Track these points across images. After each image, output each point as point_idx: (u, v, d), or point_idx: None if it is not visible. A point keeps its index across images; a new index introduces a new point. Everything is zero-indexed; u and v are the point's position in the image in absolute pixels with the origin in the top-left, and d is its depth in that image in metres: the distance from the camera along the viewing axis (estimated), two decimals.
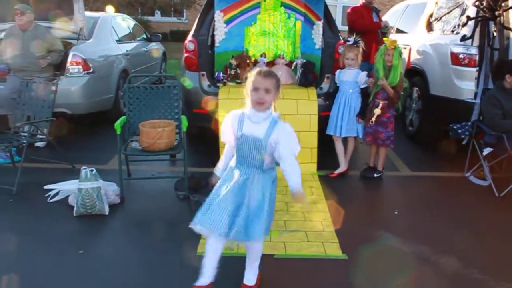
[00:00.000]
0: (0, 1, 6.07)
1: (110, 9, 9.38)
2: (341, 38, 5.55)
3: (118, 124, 4.07)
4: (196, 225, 2.65)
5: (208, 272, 2.71)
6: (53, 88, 4.81)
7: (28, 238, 3.45)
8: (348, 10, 6.52)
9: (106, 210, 3.83)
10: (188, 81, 4.52)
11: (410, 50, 6.00)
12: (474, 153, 4.86)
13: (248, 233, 2.57)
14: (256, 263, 2.86)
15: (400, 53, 4.51)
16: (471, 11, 5.24)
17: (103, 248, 3.38)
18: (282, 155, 2.56)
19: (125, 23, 8.28)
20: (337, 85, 4.90)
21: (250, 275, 2.87)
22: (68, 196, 3.99)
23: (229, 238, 2.60)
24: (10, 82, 5.37)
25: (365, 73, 4.69)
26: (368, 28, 6.09)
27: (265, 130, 2.54)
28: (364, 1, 6.36)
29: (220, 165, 2.79)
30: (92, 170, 3.82)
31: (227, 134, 2.69)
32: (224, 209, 2.58)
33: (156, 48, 9.43)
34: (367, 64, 5.10)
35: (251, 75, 2.57)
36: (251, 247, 2.80)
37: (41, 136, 4.82)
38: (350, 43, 4.75)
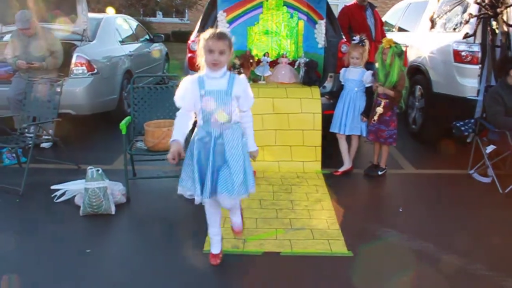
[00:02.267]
0: (4, 4, 6.09)
1: (110, 10, 9.42)
2: (343, 37, 5.57)
3: (123, 124, 4.09)
4: (180, 190, 2.81)
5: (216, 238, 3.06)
6: (58, 89, 4.84)
7: (35, 238, 3.48)
8: (341, 10, 6.49)
9: (113, 209, 3.86)
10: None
11: (406, 49, 5.99)
12: (478, 151, 4.87)
13: (232, 189, 2.68)
14: (238, 212, 3.07)
15: (397, 52, 4.50)
16: (473, 9, 5.25)
17: (110, 247, 3.41)
18: (243, 108, 2.78)
19: (128, 24, 8.31)
20: (342, 83, 4.91)
21: (236, 219, 3.09)
22: (74, 196, 4.03)
23: (217, 196, 2.70)
24: (15, 84, 5.41)
25: (370, 72, 4.70)
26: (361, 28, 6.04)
27: (226, 84, 2.68)
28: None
29: (177, 131, 2.74)
30: (98, 170, 3.85)
31: (184, 98, 2.72)
32: (206, 174, 2.67)
33: (158, 49, 9.46)
34: (366, 62, 5.09)
35: (205, 38, 2.63)
36: (234, 212, 3.05)
37: (46, 137, 4.85)
38: (356, 41, 4.77)
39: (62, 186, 4.11)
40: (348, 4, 6.45)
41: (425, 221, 3.90)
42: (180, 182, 2.80)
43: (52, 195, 4.09)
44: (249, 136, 2.88)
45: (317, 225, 3.72)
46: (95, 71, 5.94)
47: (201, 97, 2.67)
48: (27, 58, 5.40)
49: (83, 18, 6.15)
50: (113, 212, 3.85)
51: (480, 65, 5.07)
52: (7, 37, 5.94)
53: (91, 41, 6.33)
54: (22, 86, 5.19)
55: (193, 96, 2.69)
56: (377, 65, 4.63)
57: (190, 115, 2.77)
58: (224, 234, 3.27)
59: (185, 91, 2.72)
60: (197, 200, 2.73)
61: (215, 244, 3.10)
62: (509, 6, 4.89)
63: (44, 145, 5.42)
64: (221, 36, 2.63)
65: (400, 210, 4.12)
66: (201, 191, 2.68)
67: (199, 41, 2.67)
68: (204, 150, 2.71)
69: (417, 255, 3.32)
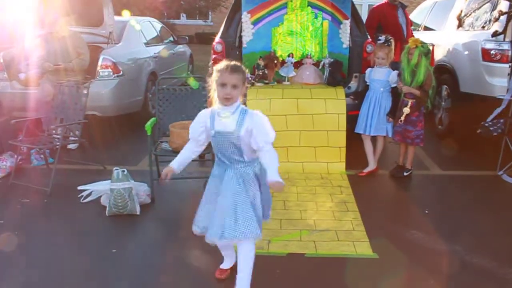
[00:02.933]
0: (35, 9, 6.22)
1: (126, 13, 9.50)
2: (368, 37, 5.51)
3: (148, 126, 4.13)
4: (196, 229, 2.75)
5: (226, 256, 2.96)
6: (85, 91, 4.92)
7: (62, 237, 3.54)
8: (371, 9, 6.47)
9: (138, 210, 3.90)
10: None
11: (433, 48, 5.90)
12: (507, 151, 4.75)
13: (236, 231, 2.55)
14: (245, 273, 2.69)
15: (424, 52, 4.43)
16: (504, 6, 5.13)
17: (135, 247, 3.44)
18: (258, 144, 2.54)
19: (152, 26, 8.39)
20: (367, 83, 4.86)
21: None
22: (100, 196, 4.08)
23: (224, 239, 2.58)
24: (44, 86, 5.51)
25: (396, 72, 4.64)
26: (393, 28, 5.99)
27: (235, 122, 2.54)
28: None
29: (177, 159, 2.74)
30: (123, 171, 3.89)
31: (195, 131, 2.66)
32: (217, 214, 2.60)
33: (182, 51, 9.52)
34: (392, 62, 5.04)
35: (217, 70, 2.54)
36: (241, 249, 2.70)
37: (73, 138, 4.93)
38: (381, 41, 4.71)
39: (89, 187, 4.17)
40: (378, 4, 6.41)
41: (452, 223, 3.82)
42: (195, 221, 2.76)
43: (79, 196, 4.15)
44: (269, 167, 2.53)
45: (342, 226, 3.68)
46: (121, 73, 6.02)
47: (212, 137, 2.61)
48: (55, 60, 5.50)
49: (109, 21, 6.24)
50: (138, 213, 3.89)
51: (510, 64, 4.95)
52: (36, 41, 6.06)
53: (117, 43, 6.41)
54: (50, 88, 5.29)
55: (205, 131, 2.63)
56: (402, 65, 4.56)
57: (196, 148, 2.73)
58: None
59: (198, 124, 2.66)
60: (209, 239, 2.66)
61: (225, 259, 3.02)
62: None
63: (71, 146, 5.51)
64: (235, 69, 2.52)
65: (426, 212, 4.05)
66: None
67: (211, 73, 2.59)
68: (215, 190, 2.66)
69: (444, 257, 3.25)
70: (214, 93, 2.58)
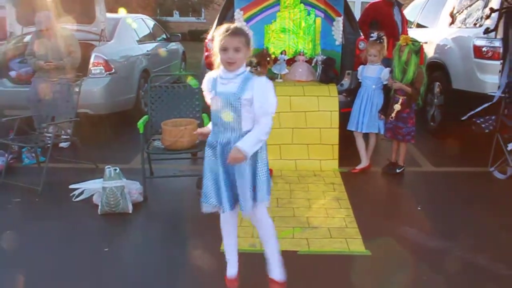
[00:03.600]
0: (24, 6, 6.17)
1: (122, 11, 9.48)
2: (361, 34, 5.51)
3: (140, 123, 4.11)
4: (205, 207, 2.60)
5: (232, 258, 2.74)
6: (77, 89, 4.89)
7: (54, 236, 3.52)
8: (367, 6, 6.49)
9: (130, 208, 3.88)
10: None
11: (422, 46, 5.92)
12: (498, 148, 4.77)
13: (245, 205, 2.49)
14: (274, 249, 2.73)
15: (414, 50, 4.44)
16: (495, 3, 5.14)
17: (127, 245, 3.43)
18: (257, 114, 2.41)
19: (145, 23, 8.35)
20: (359, 81, 4.87)
21: (274, 267, 2.74)
22: (92, 195, 4.06)
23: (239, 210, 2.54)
24: (35, 84, 5.46)
25: (388, 69, 4.65)
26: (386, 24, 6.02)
27: (238, 85, 2.42)
28: None
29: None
30: (116, 169, 3.88)
31: (207, 97, 2.58)
32: (221, 186, 2.50)
33: (175, 48, 9.49)
34: (385, 59, 5.05)
35: (219, 34, 2.40)
36: (260, 225, 2.70)
37: (65, 137, 4.90)
38: (373, 38, 4.72)
39: (81, 185, 4.15)
40: (374, 1, 6.43)
41: (444, 220, 3.83)
42: (202, 198, 2.61)
43: (71, 194, 4.13)
44: (247, 136, 2.43)
45: (334, 223, 3.69)
46: (113, 70, 5.99)
47: (212, 99, 2.51)
48: (46, 58, 5.46)
49: (101, 18, 6.20)
50: (131, 211, 3.87)
51: (501, 61, 4.97)
52: (27, 38, 6.01)
53: (109, 41, 6.38)
54: (41, 86, 5.25)
55: (208, 95, 2.56)
56: (394, 62, 4.57)
57: None
58: (240, 233, 3.24)
59: (205, 91, 2.58)
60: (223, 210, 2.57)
61: (231, 265, 2.79)
62: None
63: (62, 144, 5.48)
64: (235, 32, 2.37)
65: (419, 208, 4.07)
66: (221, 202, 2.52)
67: (214, 37, 2.47)
68: (214, 158, 2.54)
69: (436, 254, 3.26)
70: (217, 59, 2.46)
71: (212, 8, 18.25)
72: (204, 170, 2.59)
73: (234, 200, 2.56)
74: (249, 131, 2.46)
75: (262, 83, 2.43)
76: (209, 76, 2.56)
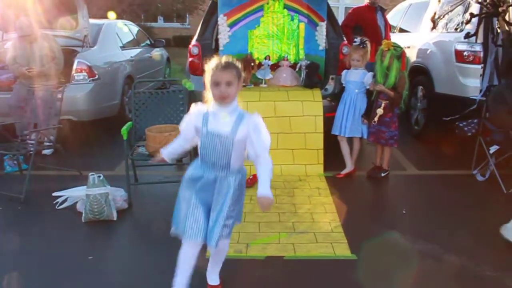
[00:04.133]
0: (5, 12, 6.11)
1: (111, 15, 9.44)
2: (344, 39, 5.55)
3: (124, 130, 4.08)
4: (173, 230, 2.58)
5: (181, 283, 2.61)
6: (59, 95, 4.84)
7: (37, 245, 3.47)
8: (350, 10, 6.57)
9: (114, 215, 3.84)
10: (189, 82, 4.54)
11: (403, 51, 6.01)
12: (481, 151, 4.83)
13: (210, 238, 2.46)
14: (220, 265, 2.83)
15: (396, 55, 4.48)
16: (475, 8, 5.23)
17: (112, 253, 3.39)
18: (256, 151, 2.41)
19: (128, 29, 8.31)
20: (343, 85, 4.89)
21: (214, 275, 2.84)
22: (76, 202, 4.01)
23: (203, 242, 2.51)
24: (17, 91, 5.40)
25: (371, 74, 4.68)
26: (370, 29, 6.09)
27: (231, 125, 2.39)
28: (368, 1, 6.37)
29: (169, 147, 2.68)
30: (99, 176, 3.84)
31: (186, 126, 2.54)
32: (196, 216, 2.47)
33: (159, 54, 9.46)
34: (369, 64, 5.11)
35: (209, 69, 2.39)
36: (220, 253, 2.74)
37: (48, 144, 4.84)
38: (356, 43, 4.75)
39: (64, 193, 4.10)
40: (358, 6, 6.50)
41: (429, 223, 3.86)
42: (173, 221, 2.59)
43: (54, 202, 4.08)
44: (262, 180, 2.43)
45: (320, 228, 3.69)
46: (96, 76, 5.94)
47: (202, 136, 2.45)
48: (28, 64, 5.40)
49: (84, 24, 6.15)
50: (115, 218, 3.84)
51: (482, 65, 5.04)
52: (8, 44, 5.94)
53: (92, 47, 6.33)
54: (23, 93, 5.19)
55: (195, 129, 2.49)
56: (376, 66, 4.61)
57: (185, 144, 2.63)
58: None
59: (188, 121, 2.52)
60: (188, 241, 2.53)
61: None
62: (511, 5, 4.86)
63: (45, 151, 5.41)
64: (227, 66, 2.37)
65: (404, 212, 4.10)
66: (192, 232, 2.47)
67: (205, 72, 2.42)
68: (193, 188, 2.50)
69: (422, 256, 3.29)
70: (209, 94, 2.43)
71: (197, 14, 18.20)
72: (181, 200, 2.55)
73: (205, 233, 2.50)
74: (236, 169, 2.49)
75: (256, 122, 2.41)
76: (199, 110, 2.49)
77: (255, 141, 2.40)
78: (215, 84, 2.36)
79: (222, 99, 2.37)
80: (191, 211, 2.48)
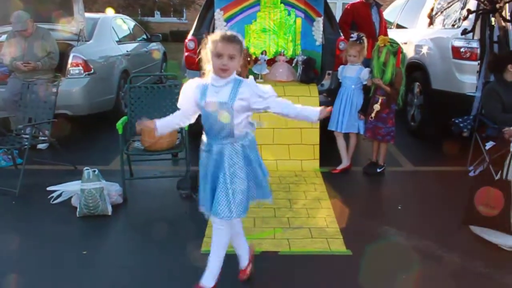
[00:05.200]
0: (1, 4, 6.07)
1: (110, 11, 9.41)
2: (341, 34, 5.53)
3: (119, 124, 4.06)
4: (202, 209, 2.61)
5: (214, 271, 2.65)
6: (54, 89, 4.82)
7: (31, 239, 3.45)
8: (346, 6, 6.56)
9: (109, 210, 3.83)
10: (187, 79, 4.52)
11: (399, 48, 5.98)
12: (477, 147, 4.83)
13: (217, 210, 2.48)
14: (243, 246, 2.83)
15: (392, 51, 4.48)
16: (472, 5, 5.21)
17: (106, 248, 3.38)
18: (261, 105, 2.46)
19: (125, 23, 8.28)
20: (340, 81, 4.88)
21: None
22: (71, 197, 4.00)
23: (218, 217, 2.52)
24: (11, 85, 5.37)
25: (368, 69, 4.68)
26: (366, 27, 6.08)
27: (228, 94, 2.40)
28: None
29: (164, 119, 2.64)
30: (94, 171, 3.82)
31: (185, 101, 2.54)
32: (209, 189, 2.52)
33: (156, 48, 9.43)
34: (365, 60, 5.09)
35: (213, 40, 2.37)
36: (236, 234, 2.77)
37: (43, 138, 4.82)
38: (353, 39, 4.74)
39: (59, 187, 4.08)
40: (353, 2, 6.50)
41: (425, 219, 3.87)
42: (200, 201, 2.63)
43: (49, 197, 4.06)
44: (302, 109, 2.59)
45: (315, 223, 3.69)
46: (92, 71, 5.91)
47: (202, 108, 2.46)
48: (23, 59, 5.36)
49: (80, 18, 6.12)
50: (110, 213, 3.82)
51: (479, 61, 5.04)
52: (3, 38, 5.90)
53: (88, 41, 6.30)
54: (18, 87, 5.16)
55: (194, 103, 2.48)
56: (372, 62, 4.60)
57: (184, 119, 2.62)
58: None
59: (187, 96, 2.51)
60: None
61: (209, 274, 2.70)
62: (508, 2, 4.85)
63: (40, 146, 5.39)
64: (232, 39, 2.36)
65: (399, 207, 4.10)
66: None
67: (206, 43, 2.40)
68: (208, 163, 2.53)
69: (417, 253, 3.29)
70: (208, 65, 2.42)
71: (194, 9, 18.16)
72: (201, 177, 2.60)
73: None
74: (241, 134, 2.49)
75: (250, 84, 2.44)
76: (197, 82, 2.49)
77: (257, 100, 2.43)
78: (218, 55, 2.35)
79: (223, 72, 2.37)
80: (207, 187, 2.54)
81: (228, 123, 2.43)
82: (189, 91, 2.51)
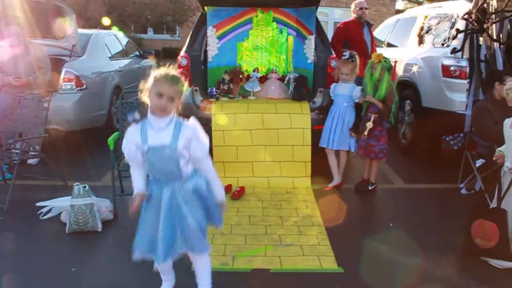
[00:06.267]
0: None
1: (106, 21, 9.40)
2: (332, 52, 5.58)
3: (111, 140, 4.05)
4: (136, 255, 2.59)
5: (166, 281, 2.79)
6: (46, 105, 4.80)
7: (19, 255, 3.40)
8: (338, 25, 6.66)
9: (99, 226, 3.79)
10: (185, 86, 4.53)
11: (395, 64, 6.05)
12: (467, 165, 4.86)
13: (191, 246, 2.55)
14: (206, 282, 2.78)
15: (387, 67, 4.53)
16: (461, 24, 5.30)
17: (95, 265, 3.34)
18: (196, 154, 2.44)
19: (117, 40, 8.30)
20: (331, 98, 4.91)
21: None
22: (60, 213, 3.96)
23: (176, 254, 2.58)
24: (2, 100, 5.32)
25: (360, 87, 4.71)
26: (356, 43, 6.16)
27: (171, 136, 2.38)
28: (355, 16, 6.46)
29: (138, 182, 2.56)
30: (85, 187, 3.79)
31: (130, 151, 2.46)
32: (162, 237, 2.48)
33: (148, 65, 9.45)
34: (356, 78, 5.14)
35: (156, 77, 2.36)
36: (198, 263, 2.75)
37: (33, 153, 4.78)
38: (346, 57, 4.78)
39: (48, 203, 4.04)
40: (345, 21, 6.61)
41: (416, 236, 3.85)
42: (135, 246, 2.59)
43: (38, 212, 4.02)
44: (214, 186, 2.56)
45: (307, 241, 3.67)
46: (84, 86, 5.91)
47: (145, 153, 2.41)
48: (15, 73, 5.35)
49: (73, 33, 6.13)
50: (100, 229, 3.79)
51: (468, 80, 5.10)
52: None
53: (80, 56, 6.30)
54: (9, 101, 5.12)
55: (138, 149, 2.43)
56: (365, 79, 4.64)
57: (142, 170, 2.55)
58: (212, 252, 3.19)
59: (130, 144, 2.45)
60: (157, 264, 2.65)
61: (165, 283, 2.88)
62: (495, 22, 4.93)
63: (30, 161, 5.34)
64: (175, 80, 2.34)
65: (391, 225, 4.10)
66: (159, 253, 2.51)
67: (148, 78, 2.39)
68: (155, 208, 2.50)
69: (408, 270, 3.28)
70: (147, 100, 2.39)
71: (187, 26, 18.26)
72: (143, 222, 2.56)
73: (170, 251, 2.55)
74: (189, 173, 2.49)
75: (192, 128, 2.43)
76: (135, 129, 2.46)
77: (194, 145, 2.42)
78: (158, 95, 2.33)
79: (160, 112, 2.36)
80: (158, 233, 2.49)
81: (176, 163, 2.42)
82: (131, 139, 2.45)
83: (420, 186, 5.13)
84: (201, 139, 2.44)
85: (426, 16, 6.52)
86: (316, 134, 4.94)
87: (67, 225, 3.75)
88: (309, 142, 4.95)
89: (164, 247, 2.48)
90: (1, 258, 3.37)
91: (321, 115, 5.17)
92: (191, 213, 2.49)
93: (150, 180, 2.55)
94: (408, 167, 5.80)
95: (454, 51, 5.18)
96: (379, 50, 6.78)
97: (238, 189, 4.60)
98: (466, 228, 3.51)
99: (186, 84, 2.43)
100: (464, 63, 5.15)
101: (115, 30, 8.09)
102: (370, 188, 4.85)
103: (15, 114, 4.92)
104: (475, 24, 5.00)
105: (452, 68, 5.25)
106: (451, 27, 5.59)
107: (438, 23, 6.03)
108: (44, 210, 4.02)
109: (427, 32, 6.32)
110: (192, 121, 2.46)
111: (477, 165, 4.63)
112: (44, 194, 4.27)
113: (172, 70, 2.41)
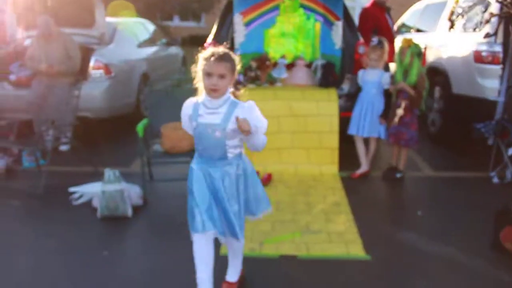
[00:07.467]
0: (25, 10, 6.19)
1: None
2: (360, 38, 5.51)
3: (140, 127, 4.11)
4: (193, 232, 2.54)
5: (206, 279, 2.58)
6: (76, 92, 4.89)
7: (53, 240, 3.50)
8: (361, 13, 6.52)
9: (129, 212, 3.87)
10: None
11: (425, 49, 5.92)
12: (499, 153, 4.77)
13: (232, 232, 2.50)
14: (237, 261, 2.79)
15: (416, 52, 4.45)
16: (494, 8, 5.15)
17: (126, 249, 3.42)
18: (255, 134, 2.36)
19: (145, 28, 8.36)
20: (359, 85, 4.86)
21: (232, 272, 2.80)
22: (92, 198, 4.05)
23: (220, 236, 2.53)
24: (35, 88, 5.46)
25: (389, 73, 4.65)
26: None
27: (223, 115, 2.34)
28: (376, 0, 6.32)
29: None
30: (115, 173, 3.87)
31: (186, 122, 2.50)
32: (207, 210, 2.46)
33: (175, 52, 9.51)
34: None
35: (203, 58, 2.32)
36: (231, 245, 2.70)
37: (65, 140, 4.89)
38: (374, 43, 4.72)
39: (80, 189, 4.14)
40: (368, 6, 6.43)
41: (445, 225, 3.82)
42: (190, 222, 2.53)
43: (70, 198, 4.12)
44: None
45: (334, 228, 3.67)
46: (113, 74, 5.99)
47: (194, 129, 2.42)
48: (46, 62, 5.45)
49: (101, 22, 6.20)
50: (130, 215, 3.86)
51: (501, 66, 4.97)
52: (27, 42, 6.01)
53: (109, 44, 6.38)
54: (41, 90, 5.25)
55: (190, 120, 2.44)
56: (394, 65, 4.57)
57: None
58: None
59: (184, 116, 2.48)
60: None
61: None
62: None
63: (62, 148, 5.46)
64: (222, 58, 2.28)
65: (419, 213, 4.05)
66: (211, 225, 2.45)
67: (198, 60, 2.36)
68: (204, 182, 2.47)
69: (437, 259, 3.25)
70: (200, 84, 2.38)
71: (212, 13, 18.24)
72: (193, 193, 2.51)
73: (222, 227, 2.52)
74: (235, 157, 2.46)
75: (249, 108, 2.37)
76: (190, 102, 2.46)
77: (253, 126, 2.32)
78: (208, 74, 2.30)
79: (213, 92, 2.32)
80: (202, 205, 2.47)
81: (222, 145, 2.39)
82: (184, 113, 2.47)
83: (449, 174, 5.05)
84: (256, 119, 2.35)
85: (457, 1, 6.36)
86: (343, 121, 4.91)
87: (98, 210, 3.83)
88: (337, 129, 4.92)
89: (208, 220, 2.46)
90: (35, 241, 3.48)
91: (348, 101, 5.13)
92: (234, 198, 2.47)
93: (196, 155, 2.54)
94: (437, 155, 5.72)
95: (487, 35, 5.05)
96: (408, 36, 6.67)
97: (266, 176, 4.61)
98: (494, 232, 3.39)
99: (237, 59, 2.37)
100: (498, 48, 5.01)
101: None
102: (398, 176, 4.80)
103: (47, 102, 5.03)
104: (511, 7, 4.86)
105: (484, 53, 5.12)
106: (484, 11, 5.44)
107: (470, 6, 5.87)
108: (76, 195, 4.13)
109: (458, 17, 6.17)
110: (249, 102, 2.39)
111: (509, 153, 4.53)
112: (75, 180, 4.36)
113: (220, 48, 2.35)
